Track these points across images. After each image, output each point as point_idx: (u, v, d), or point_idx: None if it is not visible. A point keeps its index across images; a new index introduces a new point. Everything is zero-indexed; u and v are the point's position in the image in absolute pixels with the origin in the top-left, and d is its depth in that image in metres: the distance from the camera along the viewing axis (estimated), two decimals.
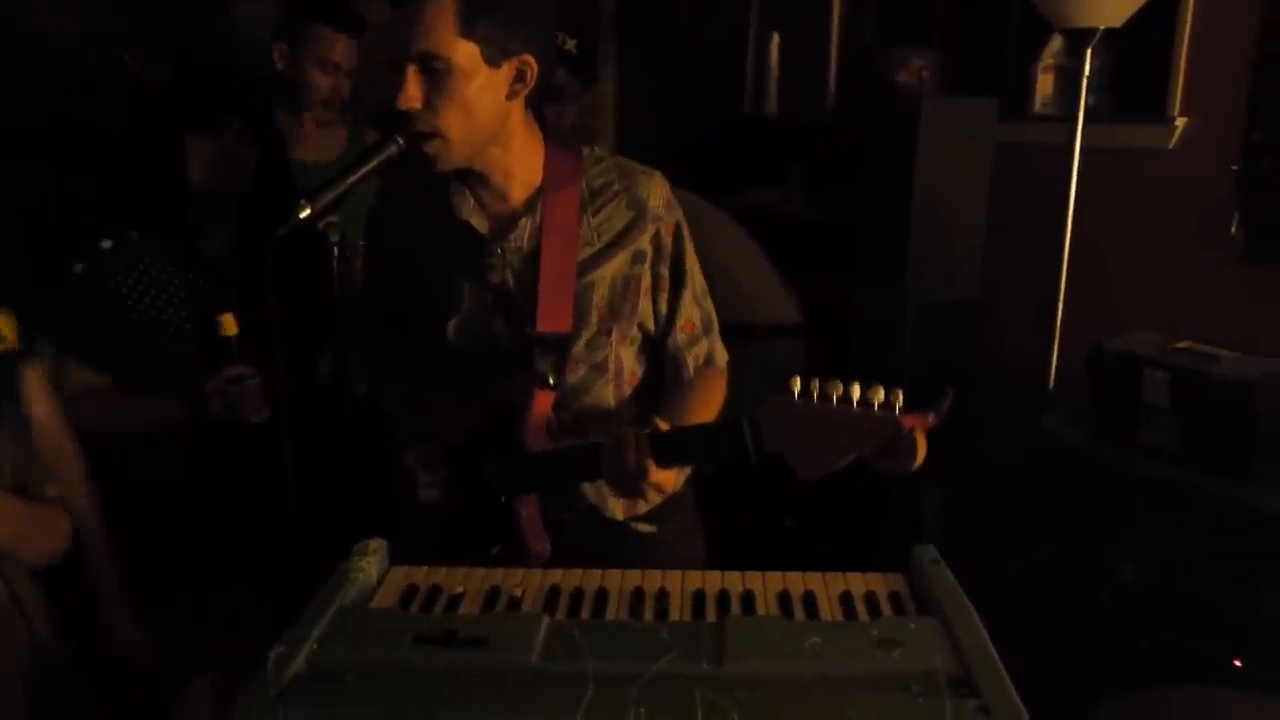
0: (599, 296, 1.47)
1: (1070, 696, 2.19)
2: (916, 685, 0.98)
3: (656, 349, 1.58)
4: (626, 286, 1.49)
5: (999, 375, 3.01)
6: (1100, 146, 2.61)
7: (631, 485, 1.33)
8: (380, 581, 1.27)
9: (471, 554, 1.46)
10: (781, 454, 1.17)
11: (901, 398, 1.09)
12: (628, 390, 1.56)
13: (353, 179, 1.28)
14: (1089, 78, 2.42)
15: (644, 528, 1.59)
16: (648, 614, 1.18)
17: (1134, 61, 2.72)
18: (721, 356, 1.61)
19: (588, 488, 1.54)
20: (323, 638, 1.09)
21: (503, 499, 1.45)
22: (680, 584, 1.24)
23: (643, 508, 1.59)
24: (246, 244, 1.86)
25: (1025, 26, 2.95)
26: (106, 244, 1.83)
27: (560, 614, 1.18)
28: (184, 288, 1.90)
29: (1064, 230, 2.49)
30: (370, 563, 1.26)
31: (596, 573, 1.27)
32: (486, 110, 1.35)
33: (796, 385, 1.13)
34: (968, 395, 3.21)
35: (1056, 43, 2.85)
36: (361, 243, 1.98)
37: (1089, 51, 2.38)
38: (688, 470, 1.60)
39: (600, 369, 1.51)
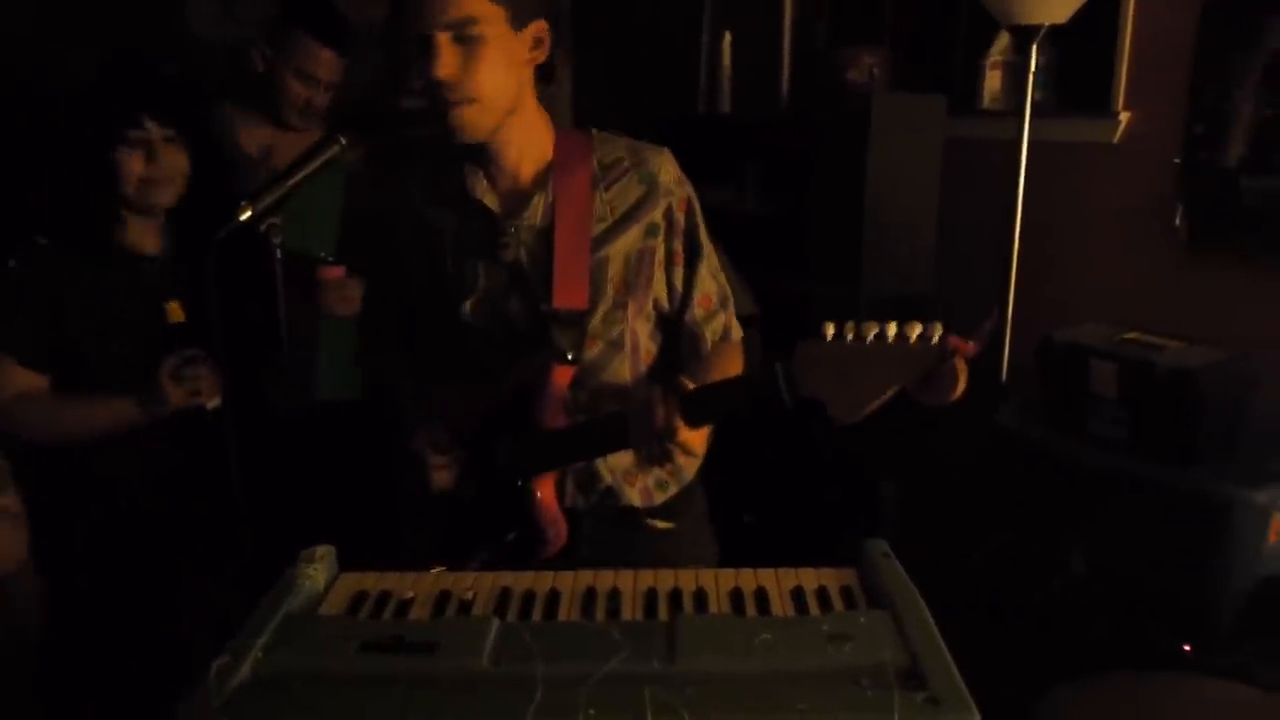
0: (614, 271, 1.48)
1: (1023, 684, 2.22)
2: (866, 679, 0.98)
3: (672, 326, 1.58)
4: (641, 260, 1.49)
5: None
6: (1047, 141, 2.64)
7: (660, 447, 1.31)
8: (329, 588, 1.25)
9: (486, 542, 1.44)
10: (818, 397, 1.15)
11: (941, 328, 1.07)
12: (643, 367, 1.55)
13: (294, 180, 1.26)
14: (1035, 73, 2.45)
15: (660, 524, 1.58)
16: (600, 614, 1.17)
17: (1079, 57, 2.76)
18: (737, 331, 1.62)
19: (604, 471, 1.52)
20: (268, 646, 1.07)
21: (519, 482, 1.43)
22: (633, 584, 1.24)
23: (659, 497, 1.58)
24: (185, 246, 1.82)
25: (973, 24, 2.99)
26: (43, 240, 1.78)
27: (511, 616, 1.17)
28: (118, 285, 1.84)
29: (1013, 224, 2.52)
30: (318, 569, 1.24)
31: (548, 574, 1.26)
32: (512, 75, 1.36)
33: (830, 328, 1.11)
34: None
35: (1004, 39, 2.89)
36: (330, 258, 1.95)
37: (1034, 48, 2.40)
38: (701, 455, 1.51)
39: (617, 345, 1.51)
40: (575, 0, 4.02)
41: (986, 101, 2.96)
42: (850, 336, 1.09)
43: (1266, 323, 2.36)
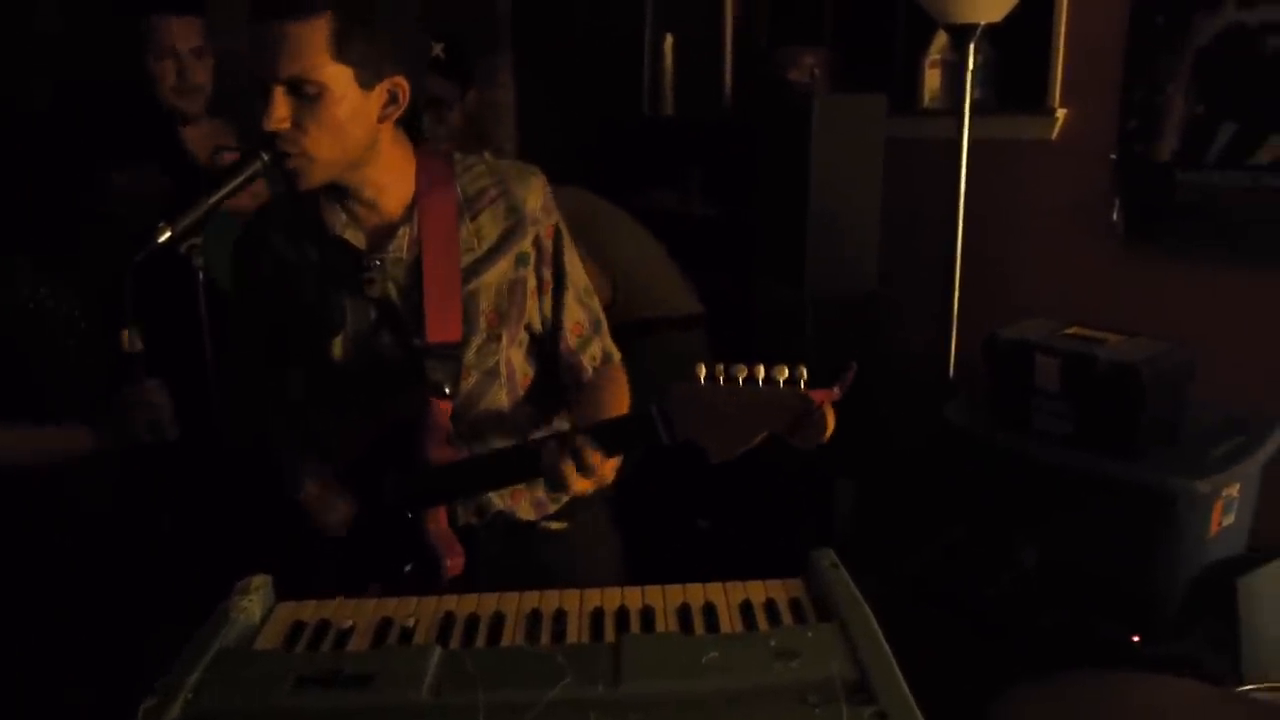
0: (486, 303, 1.45)
1: (978, 681, 2.24)
2: (814, 694, 0.97)
3: (546, 349, 1.55)
4: (512, 290, 1.47)
5: (901, 365, 3.06)
6: (987, 138, 2.66)
7: (576, 480, 1.28)
8: (265, 620, 1.21)
9: (383, 576, 1.43)
10: (694, 439, 1.18)
11: (805, 372, 1.11)
12: (521, 392, 1.53)
13: (215, 198, 1.22)
14: (973, 72, 2.47)
15: (555, 525, 1.57)
16: (545, 637, 1.15)
17: (1016, 56, 2.79)
18: (616, 353, 1.60)
19: (495, 495, 1.51)
20: (199, 684, 1.03)
21: (409, 515, 1.42)
22: (579, 603, 1.22)
23: (551, 507, 1.57)
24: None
25: (912, 23, 3.01)
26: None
27: (454, 642, 1.14)
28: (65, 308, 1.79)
29: (955, 221, 2.54)
30: (253, 600, 1.20)
31: (492, 597, 1.24)
32: (357, 133, 1.31)
33: (702, 371, 1.14)
34: (871, 386, 3.26)
35: (942, 39, 2.91)
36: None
37: (972, 47, 2.42)
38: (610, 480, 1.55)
39: (492, 374, 1.48)
40: (515, 3, 3.99)
41: (927, 100, 2.98)
42: (721, 380, 1.12)
43: (1202, 313, 2.40)
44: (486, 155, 2.39)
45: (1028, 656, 2.17)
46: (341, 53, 1.25)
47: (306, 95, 1.25)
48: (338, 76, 1.26)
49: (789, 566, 1.27)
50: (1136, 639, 2.12)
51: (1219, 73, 2.30)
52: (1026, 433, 2.28)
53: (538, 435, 1.55)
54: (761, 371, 1.12)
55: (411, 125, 2.19)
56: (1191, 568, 2.12)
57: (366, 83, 1.29)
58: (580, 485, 1.27)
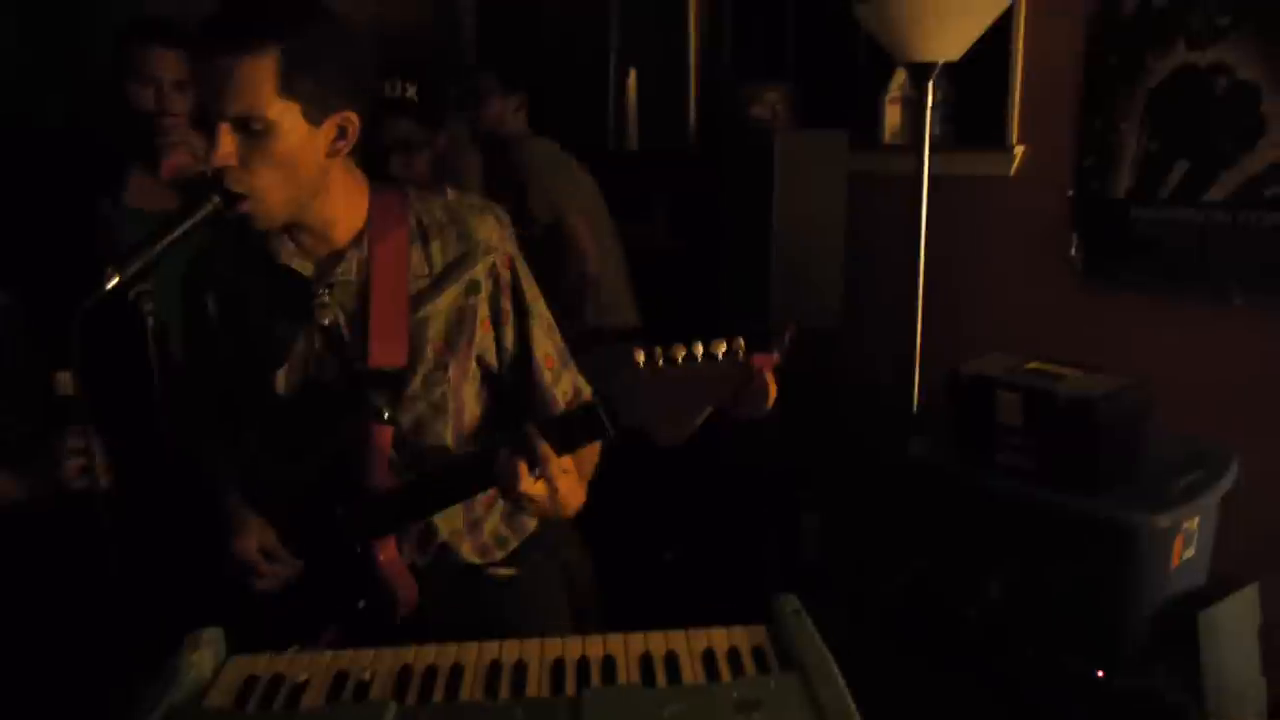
0: (434, 331, 1.43)
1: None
2: None
3: (499, 388, 1.54)
4: (461, 319, 1.45)
5: (866, 399, 3.07)
6: (947, 174, 2.70)
7: (528, 481, 1.26)
8: (216, 675, 1.18)
9: (336, 614, 1.40)
10: (640, 426, 1.17)
11: (744, 342, 1.11)
12: (467, 431, 1.51)
13: (165, 242, 1.19)
14: (932, 109, 2.50)
15: (504, 572, 1.55)
16: (504, 690, 1.13)
17: (975, 93, 2.83)
18: (586, 387, 1.58)
19: (440, 526, 1.49)
20: None
21: (358, 547, 1.39)
22: (539, 653, 1.20)
23: (497, 553, 1.55)
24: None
25: (873, 60, 3.04)
26: None
27: (411, 697, 1.12)
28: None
29: (917, 255, 2.56)
30: (203, 655, 1.17)
31: (451, 647, 1.21)
32: (306, 169, 1.30)
33: (640, 355, 1.13)
34: (837, 420, 3.28)
35: (902, 76, 2.95)
36: None
37: (930, 84, 2.45)
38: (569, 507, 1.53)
39: (439, 408, 1.46)
40: (480, 36, 4.01)
41: (887, 136, 3.02)
42: (661, 361, 1.11)
43: (1159, 346, 2.43)
44: (449, 190, 2.39)
45: (993, 693, 2.17)
46: (289, 89, 1.24)
47: (253, 131, 1.24)
48: (285, 112, 1.25)
49: (755, 599, 1.27)
50: (1100, 674, 2.12)
51: (1171, 111, 2.34)
52: (990, 468, 2.29)
53: None
54: (700, 348, 1.11)
55: (378, 167, 2.19)
56: (1154, 601, 2.13)
57: (314, 118, 1.28)
58: (530, 487, 1.25)
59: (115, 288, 1.15)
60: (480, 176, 3.21)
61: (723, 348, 1.10)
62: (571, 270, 2.89)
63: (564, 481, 1.26)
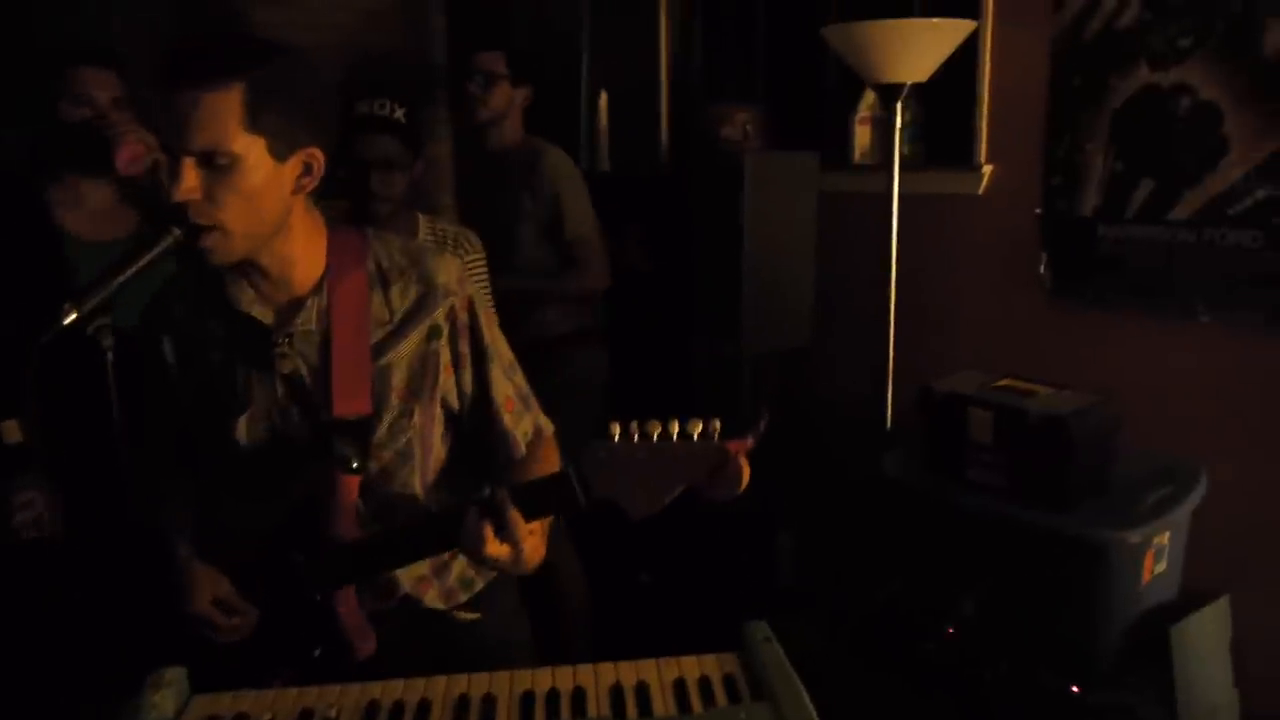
0: (398, 378, 1.42)
1: None
2: None
3: (463, 430, 1.52)
4: (424, 364, 1.43)
5: (839, 418, 3.08)
6: (917, 194, 2.72)
7: (494, 545, 1.25)
8: (179, 715, 1.16)
9: (291, 662, 1.38)
10: (612, 498, 1.17)
11: (719, 425, 1.11)
12: (432, 476, 1.50)
13: (124, 276, 1.17)
14: (901, 129, 2.52)
15: (467, 615, 1.53)
16: None
17: (944, 113, 2.86)
18: (548, 426, 1.57)
19: (402, 579, 1.47)
20: None
21: (318, 597, 1.38)
22: (509, 686, 1.19)
23: (463, 596, 1.54)
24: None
25: (843, 81, 3.07)
26: None
27: None
28: None
29: (888, 274, 2.57)
30: (165, 696, 1.15)
31: (420, 682, 1.20)
32: (271, 205, 1.28)
33: (616, 429, 1.13)
34: (810, 439, 3.28)
35: (871, 96, 2.97)
36: None
37: (899, 105, 2.47)
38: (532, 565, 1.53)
39: (405, 454, 1.45)
40: (451, 58, 4.01)
41: (858, 156, 3.04)
42: (636, 436, 1.12)
43: (1127, 363, 2.45)
44: (422, 219, 2.38)
45: (968, 710, 2.17)
46: (255, 123, 1.23)
47: (218, 166, 1.22)
48: (250, 147, 1.23)
49: (732, 620, 1.27)
50: (1075, 689, 2.13)
51: (1135, 132, 2.37)
52: (962, 485, 2.30)
53: None
54: (676, 426, 1.12)
55: (359, 183, 2.18)
56: (1127, 616, 2.14)
57: (280, 154, 1.27)
58: (495, 551, 1.23)
59: (73, 323, 1.13)
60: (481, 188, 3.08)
61: (698, 428, 1.11)
62: (589, 284, 2.87)
63: (529, 543, 1.25)
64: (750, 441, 1.12)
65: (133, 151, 1.92)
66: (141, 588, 1.51)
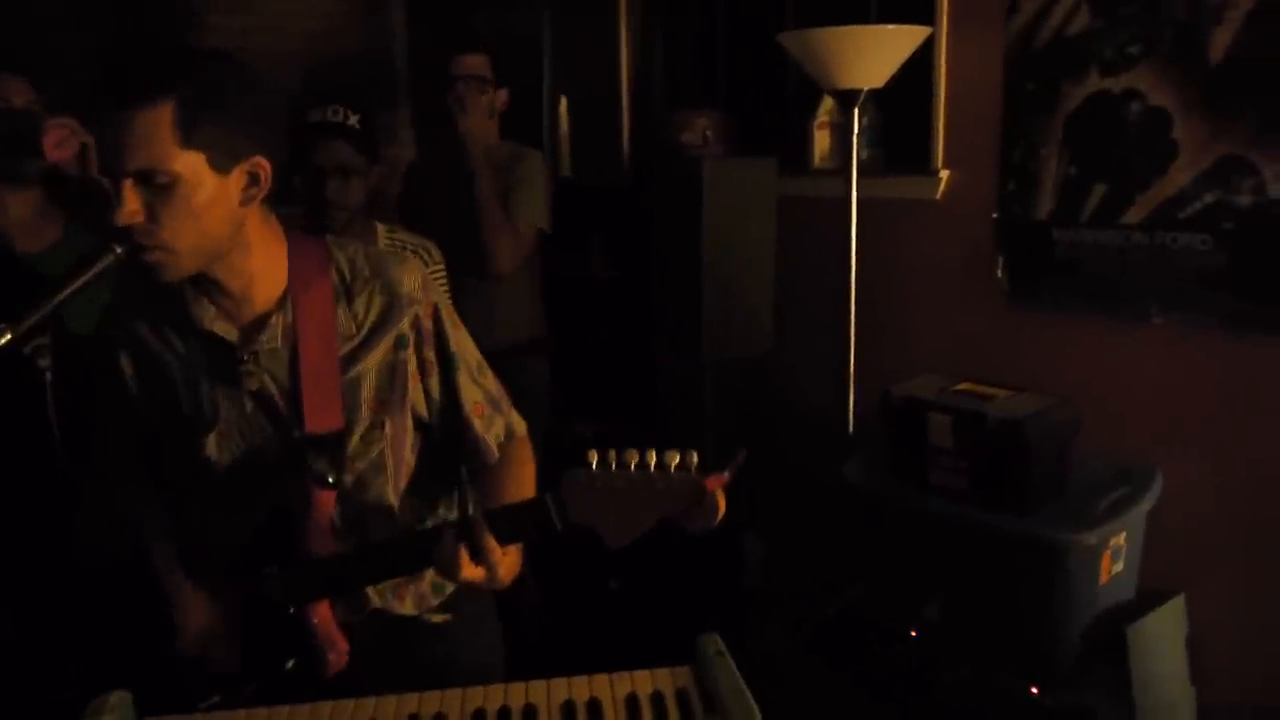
0: (367, 389, 1.40)
1: None
2: None
3: (434, 437, 1.51)
4: (393, 374, 1.42)
5: (802, 424, 3.10)
6: (875, 198, 2.73)
7: (468, 568, 1.24)
8: None
9: (264, 673, 1.37)
10: (589, 525, 1.17)
11: (697, 457, 1.12)
12: (407, 484, 1.49)
13: (62, 295, 1.15)
14: (859, 134, 2.54)
15: (437, 618, 1.53)
16: None
17: (901, 119, 2.88)
18: (520, 426, 1.56)
19: (373, 592, 1.46)
20: None
21: (291, 610, 1.37)
22: (460, 704, 1.18)
23: (434, 600, 1.53)
24: None
25: (802, 86, 3.08)
26: None
27: None
28: None
29: (848, 279, 2.59)
30: None
31: (369, 701, 1.19)
32: (218, 220, 1.25)
33: (594, 457, 1.14)
34: (774, 444, 3.29)
35: (830, 101, 2.99)
36: None
37: (856, 110, 2.49)
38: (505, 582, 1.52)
39: (378, 465, 1.44)
40: (414, 60, 3.99)
41: (817, 161, 3.05)
42: (613, 465, 1.13)
43: (1083, 366, 2.48)
44: (380, 227, 2.36)
45: (930, 713, 2.19)
46: (190, 139, 1.20)
47: (158, 185, 1.19)
48: (189, 164, 1.20)
49: (699, 625, 1.28)
50: (1035, 691, 2.14)
51: (1088, 137, 2.40)
52: (923, 489, 2.32)
53: (427, 525, 1.51)
54: (653, 457, 1.12)
55: (315, 191, 2.15)
56: (1085, 617, 2.16)
57: (222, 166, 1.24)
58: (471, 574, 1.23)
59: (8, 344, 1.11)
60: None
61: (676, 459, 1.12)
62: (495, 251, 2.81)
63: (503, 564, 1.25)
64: (727, 476, 1.13)
65: (58, 135, 1.88)
66: (87, 607, 1.48)
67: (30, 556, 1.37)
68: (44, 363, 1.20)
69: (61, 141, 1.84)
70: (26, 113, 1.92)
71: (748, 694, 1.11)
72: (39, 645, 1.23)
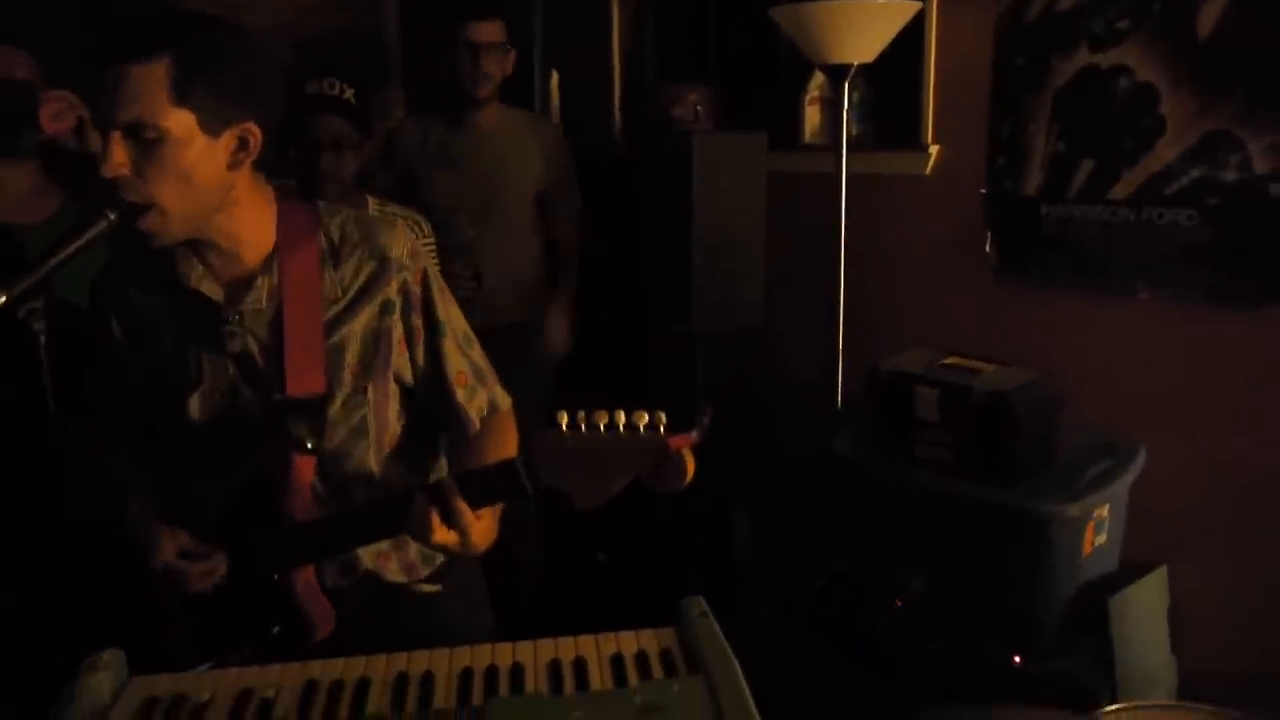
0: (351, 354, 1.41)
1: (863, 714, 2.27)
2: None
3: (419, 404, 1.52)
4: (378, 340, 1.43)
5: (790, 398, 3.12)
6: (865, 173, 2.74)
7: (440, 532, 1.25)
8: (116, 697, 1.16)
9: (250, 639, 1.38)
10: (559, 487, 1.17)
11: (665, 418, 1.12)
12: (387, 450, 1.49)
13: (56, 260, 1.16)
14: (849, 109, 2.54)
15: (427, 588, 1.54)
16: (410, 703, 1.12)
17: (891, 94, 2.88)
18: (505, 401, 1.57)
19: (363, 553, 1.47)
20: None
21: (275, 576, 1.38)
22: (448, 664, 1.20)
23: (424, 570, 1.54)
24: None
25: (793, 61, 3.08)
26: None
27: (316, 713, 1.11)
28: None
29: (837, 254, 2.60)
30: (102, 678, 1.15)
31: (359, 660, 1.21)
32: (206, 181, 1.27)
33: (564, 419, 1.14)
34: (763, 418, 3.30)
35: (820, 77, 2.99)
36: None
37: (847, 85, 2.49)
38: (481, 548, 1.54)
39: (359, 431, 1.45)
40: (405, 37, 3.97)
41: (808, 136, 3.06)
42: (583, 426, 1.14)
43: (1070, 340, 2.50)
44: (370, 200, 2.37)
45: (915, 683, 2.22)
46: (183, 98, 1.21)
47: (146, 140, 1.21)
48: (179, 122, 1.22)
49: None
50: (1018, 660, 2.18)
51: (1077, 112, 2.41)
52: (910, 462, 2.34)
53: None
54: (622, 418, 1.13)
55: (309, 163, 2.16)
56: (1068, 588, 2.19)
57: (212, 129, 1.25)
58: (443, 538, 1.24)
59: (2, 307, 1.12)
60: None
61: (644, 419, 1.12)
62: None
63: (476, 529, 1.25)
64: (694, 437, 1.13)
65: (55, 107, 1.88)
66: (79, 566, 1.49)
67: (28, 521, 1.39)
68: (39, 326, 1.22)
69: (59, 114, 1.84)
70: (25, 83, 1.92)
71: (730, 653, 1.13)
72: (35, 606, 1.25)
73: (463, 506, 1.22)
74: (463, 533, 1.24)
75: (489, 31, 2.80)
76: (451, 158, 2.85)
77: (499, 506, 1.31)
